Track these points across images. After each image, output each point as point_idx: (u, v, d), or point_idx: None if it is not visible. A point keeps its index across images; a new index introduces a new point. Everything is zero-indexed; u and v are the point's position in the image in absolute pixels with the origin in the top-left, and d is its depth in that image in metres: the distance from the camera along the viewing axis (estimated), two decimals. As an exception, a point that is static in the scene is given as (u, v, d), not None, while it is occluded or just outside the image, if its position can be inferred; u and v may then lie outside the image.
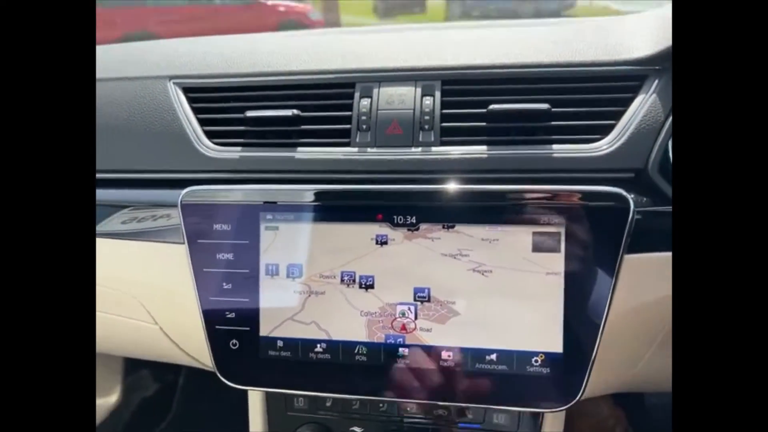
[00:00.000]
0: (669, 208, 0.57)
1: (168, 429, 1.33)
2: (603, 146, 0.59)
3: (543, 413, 0.67)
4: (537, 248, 0.55)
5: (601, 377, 0.64)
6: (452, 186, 0.58)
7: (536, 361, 0.56)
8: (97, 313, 0.70)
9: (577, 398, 0.55)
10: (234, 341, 0.62)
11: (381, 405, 0.70)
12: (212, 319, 0.62)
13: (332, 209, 0.59)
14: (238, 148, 0.66)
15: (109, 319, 0.72)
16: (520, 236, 0.56)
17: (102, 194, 0.69)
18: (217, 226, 0.61)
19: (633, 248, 0.55)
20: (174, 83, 0.71)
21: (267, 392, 0.72)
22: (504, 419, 0.68)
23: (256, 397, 0.73)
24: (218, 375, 0.63)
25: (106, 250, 0.68)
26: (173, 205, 0.63)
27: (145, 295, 0.69)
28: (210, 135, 0.67)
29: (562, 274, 0.55)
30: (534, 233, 0.55)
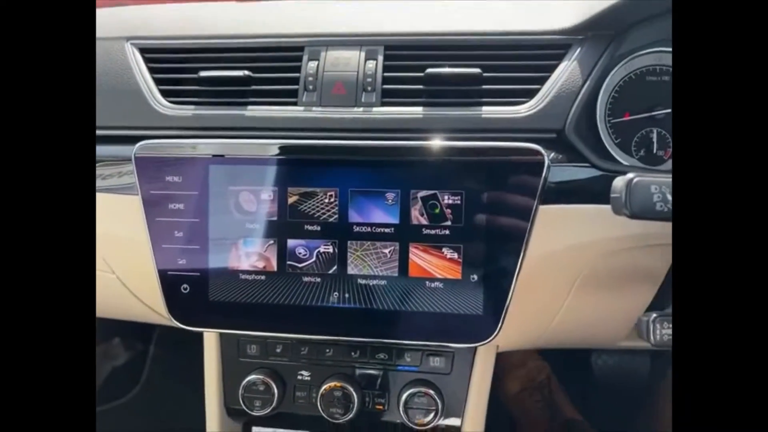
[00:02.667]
0: (583, 165, 0.63)
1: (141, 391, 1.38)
2: (527, 108, 0.64)
3: (474, 355, 0.73)
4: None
5: (524, 325, 0.70)
6: (399, 143, 0.63)
7: (458, 300, 0.62)
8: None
9: (494, 335, 0.61)
10: (185, 285, 0.66)
11: (327, 350, 0.76)
12: (164, 266, 0.66)
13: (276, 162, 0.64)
14: (192, 106, 0.70)
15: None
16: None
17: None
18: (168, 178, 0.65)
19: (548, 200, 0.61)
20: (131, 44, 0.74)
21: (220, 339, 0.77)
22: (439, 362, 0.74)
23: (210, 344, 0.78)
24: (170, 318, 0.68)
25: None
26: (129, 159, 0.67)
27: (103, 245, 0.73)
28: (165, 93, 0.71)
29: (485, 222, 0.60)
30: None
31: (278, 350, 0.77)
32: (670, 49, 0.65)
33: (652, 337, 0.53)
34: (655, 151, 0.66)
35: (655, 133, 0.66)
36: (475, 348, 0.72)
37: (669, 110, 0.65)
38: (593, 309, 0.73)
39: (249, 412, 0.74)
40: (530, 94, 0.65)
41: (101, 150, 0.72)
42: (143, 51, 0.73)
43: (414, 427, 0.71)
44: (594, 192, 0.62)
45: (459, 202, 0.61)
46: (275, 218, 0.64)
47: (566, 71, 0.64)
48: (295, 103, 0.68)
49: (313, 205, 0.63)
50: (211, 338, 0.78)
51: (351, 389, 0.72)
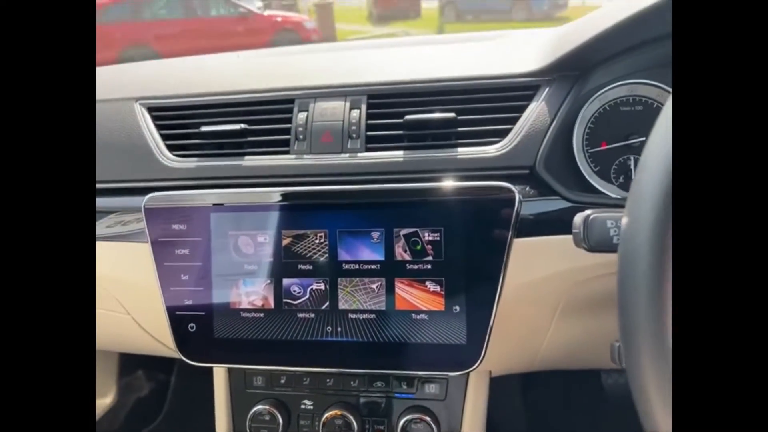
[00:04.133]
0: (553, 198, 0.67)
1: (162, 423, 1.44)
2: (499, 148, 0.69)
3: (467, 381, 0.76)
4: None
5: (513, 351, 0.74)
6: (382, 186, 0.68)
7: (443, 330, 0.66)
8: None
9: (478, 363, 0.65)
10: (192, 324, 0.72)
11: (328, 380, 0.80)
12: (173, 306, 0.72)
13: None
14: (195, 159, 0.76)
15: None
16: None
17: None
18: (175, 226, 0.72)
19: (523, 233, 0.65)
20: (140, 104, 0.81)
21: (228, 373, 0.82)
22: (434, 388, 0.77)
23: (219, 377, 0.83)
24: (179, 354, 0.73)
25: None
26: (139, 210, 0.73)
27: (117, 289, 0.80)
28: (171, 148, 0.78)
29: (463, 256, 0.65)
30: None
31: (282, 381, 0.81)
32: (643, 81, 0.70)
33: (624, 363, 0.55)
34: (633, 177, 0.69)
35: (632, 160, 0.70)
36: (468, 374, 0.76)
37: (644, 138, 0.69)
38: (582, 333, 0.76)
39: (256, 441, 0.79)
40: (502, 134, 0.69)
41: (114, 201, 0.79)
42: (151, 110, 0.81)
43: (412, 452, 0.75)
44: (564, 223, 0.65)
45: (438, 238, 0.66)
46: (271, 259, 0.70)
47: (536, 111, 0.69)
48: (287, 152, 0.74)
49: (306, 246, 0.69)
50: (219, 371, 0.83)
51: (351, 417, 0.76)
